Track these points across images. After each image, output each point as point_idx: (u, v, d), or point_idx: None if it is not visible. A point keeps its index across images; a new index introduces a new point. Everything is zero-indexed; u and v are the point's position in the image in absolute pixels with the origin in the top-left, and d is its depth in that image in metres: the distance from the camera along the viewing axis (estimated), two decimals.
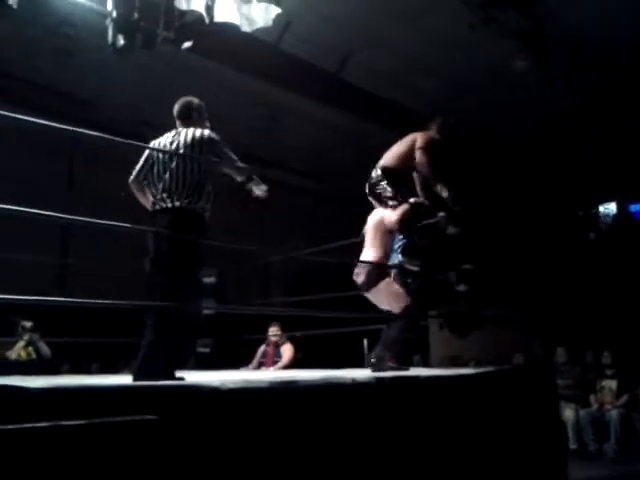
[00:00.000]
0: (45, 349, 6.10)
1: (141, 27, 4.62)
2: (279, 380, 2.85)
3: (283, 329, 6.55)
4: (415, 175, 4.47)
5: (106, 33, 4.69)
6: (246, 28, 4.84)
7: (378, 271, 4.10)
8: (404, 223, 4.13)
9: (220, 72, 7.20)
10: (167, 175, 3.17)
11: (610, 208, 11.00)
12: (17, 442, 1.62)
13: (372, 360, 3.95)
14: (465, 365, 8.14)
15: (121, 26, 4.58)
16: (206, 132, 3.27)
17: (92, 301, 2.78)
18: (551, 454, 4.03)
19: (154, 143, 3.31)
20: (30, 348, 6.28)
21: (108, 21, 4.65)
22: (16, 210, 2.45)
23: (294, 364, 6.30)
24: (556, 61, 6.84)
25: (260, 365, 6.46)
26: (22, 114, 2.76)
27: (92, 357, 7.11)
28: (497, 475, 3.45)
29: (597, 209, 11.08)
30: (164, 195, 3.14)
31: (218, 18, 4.68)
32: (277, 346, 6.48)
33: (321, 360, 5.82)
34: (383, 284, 4.08)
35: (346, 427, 2.69)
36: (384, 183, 4.32)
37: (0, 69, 7.10)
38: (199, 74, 7.35)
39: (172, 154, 3.19)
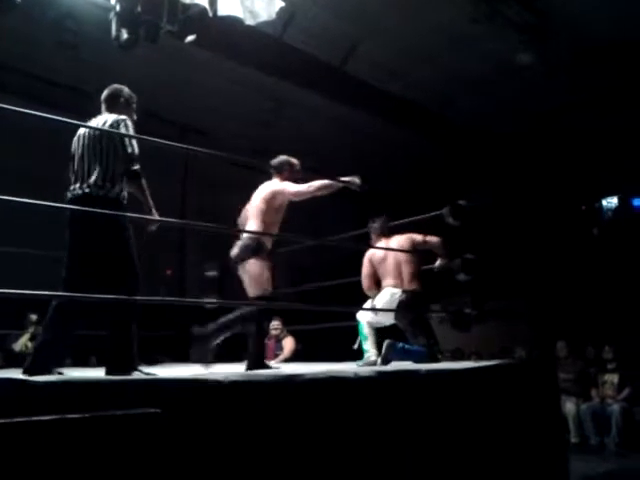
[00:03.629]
0: None
1: (144, 21, 4.59)
2: (281, 374, 2.86)
3: (285, 322, 6.59)
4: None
5: (109, 27, 4.68)
6: (249, 21, 4.82)
7: (251, 246, 3.89)
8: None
9: (224, 65, 7.20)
10: (79, 162, 3.09)
11: (613, 202, 10.97)
12: (23, 435, 1.64)
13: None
14: (467, 358, 8.17)
15: (124, 20, 4.55)
16: (114, 117, 3.13)
17: (92, 296, 2.79)
18: (552, 447, 4.05)
19: (78, 133, 3.20)
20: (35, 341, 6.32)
21: (111, 15, 4.63)
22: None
23: (295, 357, 6.34)
24: (559, 54, 6.82)
25: None
26: (25, 107, 2.77)
27: (90, 350, 7.10)
28: (498, 468, 3.47)
29: (600, 203, 11.06)
30: (77, 183, 3.05)
31: (221, 11, 4.66)
32: (278, 340, 6.52)
33: (322, 353, 5.85)
34: (250, 263, 3.90)
35: (348, 420, 2.71)
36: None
37: (4, 62, 7.10)
38: (203, 67, 7.36)
39: (82, 141, 3.12)
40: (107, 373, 2.80)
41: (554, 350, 7.67)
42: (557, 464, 4.04)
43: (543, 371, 4.37)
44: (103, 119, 3.17)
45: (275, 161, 4.22)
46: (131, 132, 3.09)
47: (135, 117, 3.39)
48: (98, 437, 1.78)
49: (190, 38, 4.94)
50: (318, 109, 8.62)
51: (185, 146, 3.45)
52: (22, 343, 6.32)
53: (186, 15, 4.81)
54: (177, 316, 6.64)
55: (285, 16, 6.17)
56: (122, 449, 1.82)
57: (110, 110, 3.28)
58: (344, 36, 7.16)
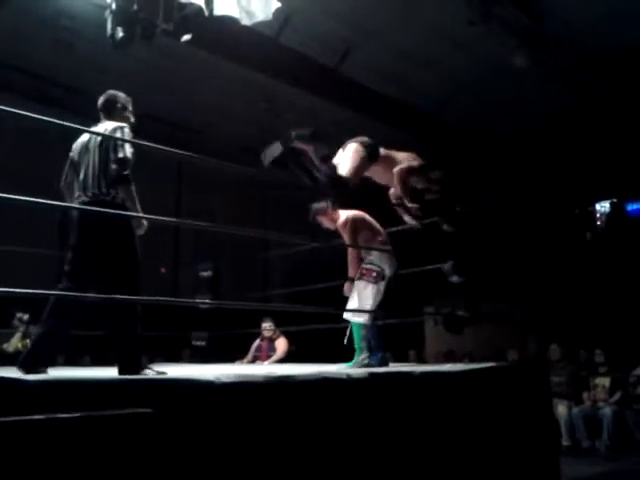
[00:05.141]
0: None
1: (140, 19, 4.60)
2: (274, 375, 2.86)
3: (279, 322, 6.58)
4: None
5: (105, 24, 4.68)
6: (246, 21, 4.81)
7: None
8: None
9: (220, 65, 7.19)
10: (84, 170, 3.15)
11: (606, 207, 11.00)
12: (13, 434, 1.63)
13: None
14: (459, 361, 8.18)
15: (120, 18, 4.56)
16: (113, 125, 3.19)
17: (87, 295, 2.79)
18: (544, 450, 4.06)
19: (77, 141, 3.28)
20: (27, 340, 6.29)
21: (107, 13, 4.63)
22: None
23: (288, 357, 6.33)
24: (555, 58, 6.84)
25: (255, 359, 6.48)
26: (21, 105, 2.77)
27: (84, 349, 7.09)
28: (490, 471, 3.47)
29: (594, 207, 11.09)
30: (83, 191, 3.13)
31: (217, 11, 4.66)
32: (271, 340, 6.50)
33: (315, 354, 5.85)
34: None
35: (340, 422, 2.70)
36: None
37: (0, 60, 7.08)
38: (198, 67, 7.35)
39: (86, 149, 3.18)
40: (120, 373, 2.89)
41: (547, 353, 7.69)
42: (548, 467, 4.04)
43: (535, 374, 4.37)
44: (103, 127, 3.21)
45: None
46: (121, 139, 3.11)
47: (133, 120, 3.42)
48: (89, 437, 1.77)
49: (186, 37, 4.94)
50: (313, 110, 8.62)
51: (176, 150, 3.41)
52: (14, 343, 6.28)
53: (182, 14, 4.81)
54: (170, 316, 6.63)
55: (281, 17, 6.16)
56: (113, 449, 1.81)
57: (108, 117, 3.32)
58: (340, 37, 7.16)
